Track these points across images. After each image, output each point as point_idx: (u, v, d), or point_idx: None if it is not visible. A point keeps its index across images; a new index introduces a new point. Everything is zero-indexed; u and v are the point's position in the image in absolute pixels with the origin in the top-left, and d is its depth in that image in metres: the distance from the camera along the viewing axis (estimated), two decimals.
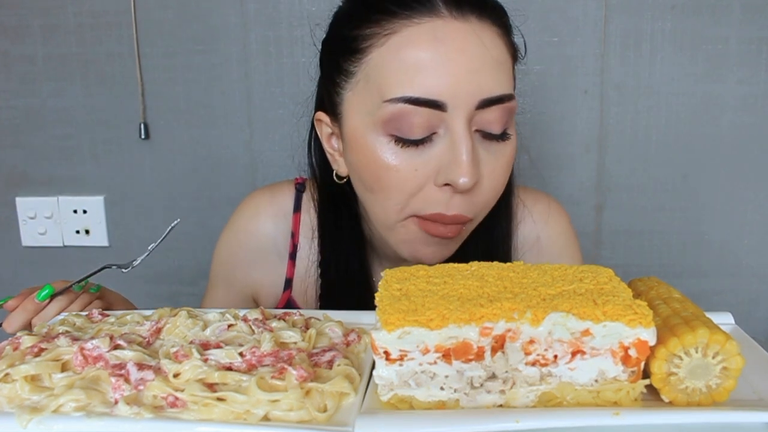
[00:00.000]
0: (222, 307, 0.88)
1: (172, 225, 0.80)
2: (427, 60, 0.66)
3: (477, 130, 0.69)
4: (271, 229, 0.89)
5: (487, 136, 0.70)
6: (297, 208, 0.90)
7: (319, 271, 0.87)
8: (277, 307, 0.91)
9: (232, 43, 1.22)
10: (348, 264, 0.85)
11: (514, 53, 0.74)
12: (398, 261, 0.87)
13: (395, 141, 0.68)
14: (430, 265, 0.61)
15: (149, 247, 0.79)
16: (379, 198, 0.72)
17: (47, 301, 0.71)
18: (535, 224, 0.89)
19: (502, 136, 0.71)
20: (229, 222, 0.93)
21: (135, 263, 0.80)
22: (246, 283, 0.91)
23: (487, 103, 0.68)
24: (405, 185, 0.69)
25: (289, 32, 1.20)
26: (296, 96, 1.22)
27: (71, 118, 1.28)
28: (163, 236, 0.79)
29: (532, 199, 0.90)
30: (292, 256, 0.89)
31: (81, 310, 0.72)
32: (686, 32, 1.16)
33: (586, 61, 1.18)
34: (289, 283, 0.90)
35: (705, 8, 1.15)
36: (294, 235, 0.89)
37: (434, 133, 0.68)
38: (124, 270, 0.80)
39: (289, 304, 0.90)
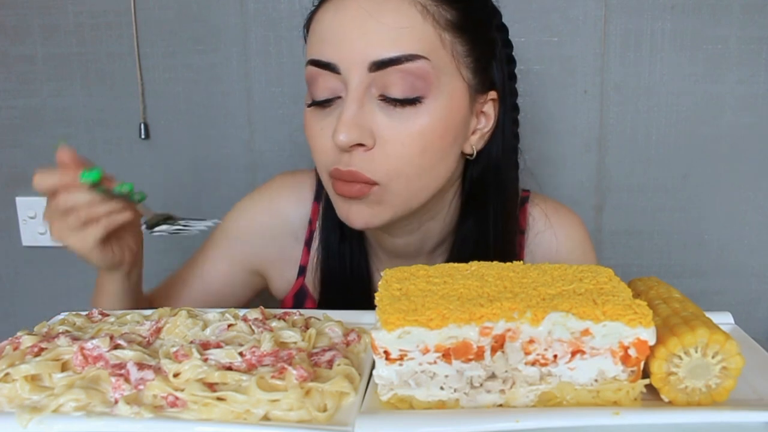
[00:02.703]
0: (217, 275, 0.91)
1: (214, 222, 0.81)
2: (326, 28, 0.73)
3: (380, 96, 0.71)
4: (290, 212, 0.91)
5: (390, 101, 0.71)
6: (318, 197, 0.91)
7: (320, 266, 0.88)
8: (289, 293, 0.92)
9: (232, 43, 1.22)
10: (345, 255, 0.86)
11: (443, 22, 0.72)
12: (392, 252, 0.87)
13: (310, 103, 0.76)
14: (358, 229, 0.71)
15: (212, 222, 0.80)
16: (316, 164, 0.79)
17: (87, 186, 0.69)
18: (556, 237, 0.89)
19: (409, 101, 0.71)
20: (246, 198, 0.93)
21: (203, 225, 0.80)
22: (253, 260, 0.92)
23: (380, 65, 0.70)
24: (315, 145, 0.76)
25: (289, 32, 1.20)
26: (296, 96, 1.22)
27: (71, 118, 1.28)
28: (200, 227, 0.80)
29: (554, 212, 0.91)
30: (308, 242, 0.91)
31: (108, 216, 0.70)
32: (686, 32, 1.16)
33: (586, 61, 1.18)
34: (302, 270, 0.91)
35: (705, 8, 1.15)
36: (312, 222, 0.90)
37: (339, 97, 0.73)
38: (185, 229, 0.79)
39: (302, 290, 0.91)
